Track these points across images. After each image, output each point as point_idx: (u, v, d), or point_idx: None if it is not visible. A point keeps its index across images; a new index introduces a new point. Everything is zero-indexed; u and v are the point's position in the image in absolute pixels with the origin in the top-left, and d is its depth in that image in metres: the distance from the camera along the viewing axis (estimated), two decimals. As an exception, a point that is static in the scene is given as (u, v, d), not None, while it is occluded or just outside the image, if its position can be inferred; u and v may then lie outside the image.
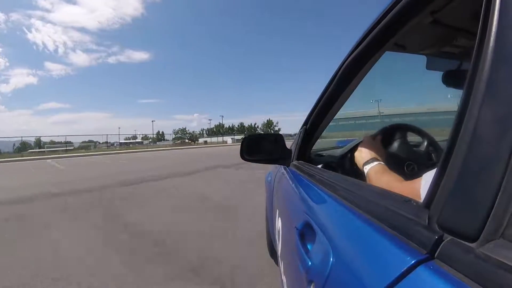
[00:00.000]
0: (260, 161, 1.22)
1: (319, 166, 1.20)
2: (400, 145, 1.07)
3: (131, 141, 52.44)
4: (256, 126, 62.93)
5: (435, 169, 0.32)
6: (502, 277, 0.21)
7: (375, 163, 0.76)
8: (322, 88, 0.88)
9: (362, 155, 0.83)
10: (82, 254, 2.31)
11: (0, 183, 6.94)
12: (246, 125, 64.46)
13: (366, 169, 0.78)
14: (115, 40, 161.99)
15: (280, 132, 3.51)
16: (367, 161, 0.79)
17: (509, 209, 0.22)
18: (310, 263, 0.55)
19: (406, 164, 0.99)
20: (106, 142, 38.96)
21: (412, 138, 1.16)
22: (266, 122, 62.16)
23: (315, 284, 0.49)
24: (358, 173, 1.23)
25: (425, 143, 1.11)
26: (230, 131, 62.93)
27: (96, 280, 1.87)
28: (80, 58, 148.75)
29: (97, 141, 46.18)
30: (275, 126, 61.02)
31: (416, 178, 0.51)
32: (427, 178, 0.44)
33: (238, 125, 65.76)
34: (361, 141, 0.88)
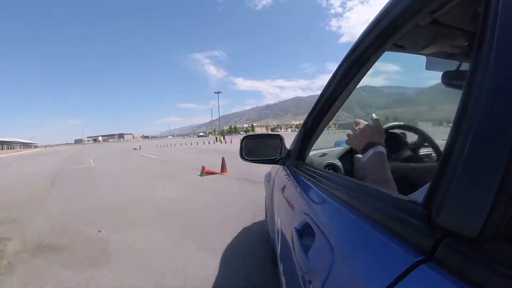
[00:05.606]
0: (259, 161, 1.22)
1: (319, 166, 1.20)
2: (400, 146, 1.07)
3: None
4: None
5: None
6: (502, 277, 0.21)
7: (372, 152, 0.69)
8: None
9: (358, 141, 0.75)
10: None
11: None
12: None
13: (365, 158, 0.71)
14: None
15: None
16: (364, 147, 0.72)
17: (508, 209, 0.22)
18: (309, 263, 0.55)
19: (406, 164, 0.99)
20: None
21: (412, 138, 1.16)
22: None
23: (314, 284, 0.49)
24: (357, 173, 1.23)
25: (425, 143, 1.11)
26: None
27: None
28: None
29: None
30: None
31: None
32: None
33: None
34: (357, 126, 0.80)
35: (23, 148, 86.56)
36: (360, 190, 0.55)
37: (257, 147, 1.27)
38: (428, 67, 0.92)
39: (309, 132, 1.01)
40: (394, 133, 1.12)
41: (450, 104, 1.03)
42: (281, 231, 0.99)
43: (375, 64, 0.71)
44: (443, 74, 0.84)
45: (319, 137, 1.07)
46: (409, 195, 0.44)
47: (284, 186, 1.13)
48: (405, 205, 0.37)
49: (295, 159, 1.10)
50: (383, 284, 0.30)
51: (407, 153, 1.09)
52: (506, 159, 0.22)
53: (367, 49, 0.65)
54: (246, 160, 1.23)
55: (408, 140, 1.14)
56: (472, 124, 0.26)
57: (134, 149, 24.08)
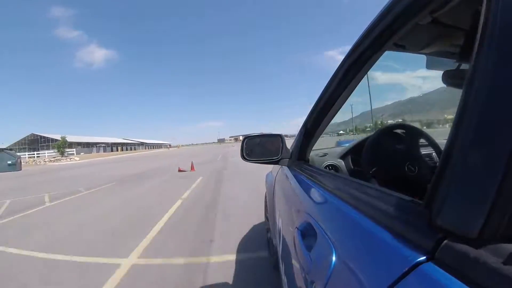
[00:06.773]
0: (260, 161, 1.22)
1: (320, 166, 1.20)
2: (400, 145, 1.07)
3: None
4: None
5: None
6: (502, 277, 0.21)
7: None
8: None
9: None
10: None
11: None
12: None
13: None
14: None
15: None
16: None
17: (508, 210, 0.22)
18: (311, 263, 0.55)
19: (406, 164, 0.99)
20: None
21: (412, 138, 1.16)
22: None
23: (316, 284, 0.49)
24: (358, 173, 1.23)
25: (425, 143, 1.11)
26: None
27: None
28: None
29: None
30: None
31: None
32: None
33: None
34: None
35: (147, 149, 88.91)
36: (362, 190, 0.55)
37: (258, 147, 1.27)
38: (429, 66, 0.92)
39: (310, 132, 1.01)
40: (396, 133, 1.12)
41: (450, 103, 1.03)
42: (283, 231, 0.99)
43: (375, 63, 0.71)
44: (443, 73, 0.84)
45: (320, 137, 1.07)
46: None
47: (286, 186, 1.13)
48: (406, 205, 0.37)
49: (296, 159, 1.10)
50: (384, 284, 0.30)
51: (408, 153, 1.08)
52: (506, 159, 0.22)
53: (368, 49, 0.65)
54: (247, 160, 1.23)
55: (408, 140, 1.14)
56: (472, 124, 0.26)
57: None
